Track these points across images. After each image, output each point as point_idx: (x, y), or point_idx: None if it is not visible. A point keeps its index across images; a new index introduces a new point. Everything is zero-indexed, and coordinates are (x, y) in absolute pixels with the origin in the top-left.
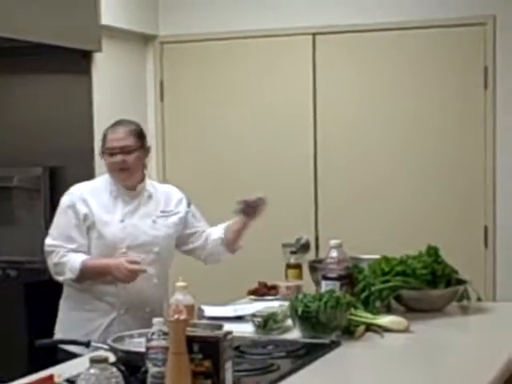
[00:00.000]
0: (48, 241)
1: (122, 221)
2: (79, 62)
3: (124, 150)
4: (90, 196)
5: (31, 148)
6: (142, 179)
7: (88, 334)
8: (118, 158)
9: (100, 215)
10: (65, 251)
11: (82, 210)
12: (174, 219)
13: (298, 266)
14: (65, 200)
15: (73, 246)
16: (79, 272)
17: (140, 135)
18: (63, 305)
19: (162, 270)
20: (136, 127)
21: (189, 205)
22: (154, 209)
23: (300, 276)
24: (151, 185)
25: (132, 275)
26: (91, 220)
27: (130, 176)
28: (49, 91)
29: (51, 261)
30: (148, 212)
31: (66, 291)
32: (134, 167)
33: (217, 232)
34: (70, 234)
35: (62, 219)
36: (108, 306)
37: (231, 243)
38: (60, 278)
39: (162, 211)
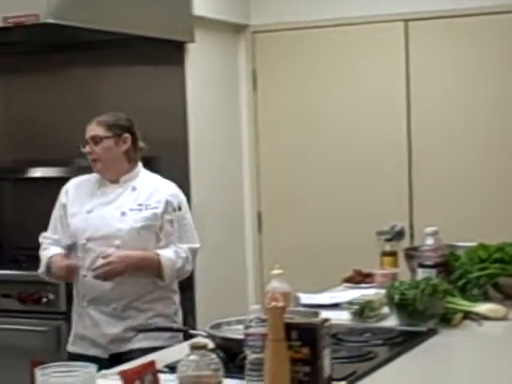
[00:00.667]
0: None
1: (90, 212)
2: (173, 53)
3: (93, 140)
4: (73, 187)
5: None
6: (127, 171)
7: (73, 326)
8: (87, 148)
9: (72, 206)
10: (47, 243)
11: (62, 200)
12: (146, 213)
13: (393, 254)
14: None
15: (56, 237)
16: (46, 267)
17: (112, 126)
18: None
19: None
20: (110, 118)
21: (177, 209)
22: (132, 201)
23: (396, 264)
24: (145, 178)
25: (65, 271)
26: (65, 210)
27: (104, 168)
28: (143, 82)
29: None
30: (122, 204)
31: None
32: (104, 157)
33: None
34: (55, 224)
35: (53, 211)
36: (76, 298)
37: None
38: (38, 271)
39: (139, 204)
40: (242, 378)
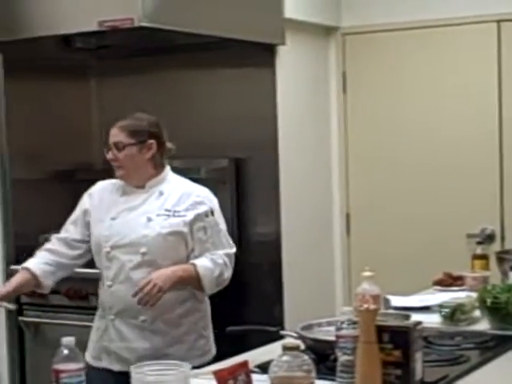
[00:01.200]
0: None
1: (114, 218)
2: (263, 55)
3: (116, 147)
4: (97, 192)
5: (217, 140)
6: (154, 176)
7: (93, 338)
8: (110, 154)
9: (96, 212)
10: (44, 248)
11: (85, 205)
12: (175, 220)
13: (484, 257)
14: None
15: (64, 235)
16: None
17: (134, 132)
18: None
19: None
20: (133, 122)
21: (209, 214)
22: (158, 207)
23: (487, 267)
24: (173, 182)
25: None
26: (86, 215)
27: (127, 174)
28: (234, 84)
29: None
30: (149, 210)
31: None
32: (126, 165)
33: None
34: (68, 225)
35: (71, 215)
36: (101, 309)
37: None
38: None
39: (167, 210)
40: (333, 380)
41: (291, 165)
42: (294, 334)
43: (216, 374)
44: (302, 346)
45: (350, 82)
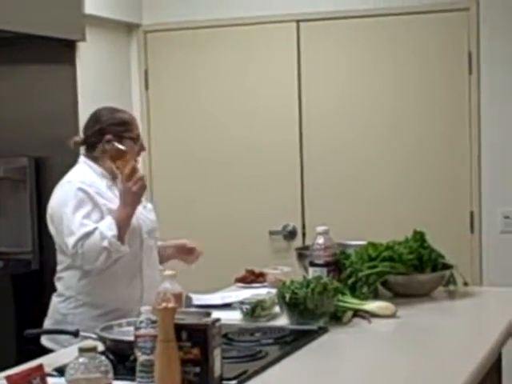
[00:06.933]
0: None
1: None
2: (63, 51)
3: (139, 139)
4: (88, 187)
5: (16, 138)
6: None
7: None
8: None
9: (107, 204)
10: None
11: (92, 199)
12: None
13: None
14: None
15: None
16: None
17: None
18: None
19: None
20: None
21: None
22: None
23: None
24: None
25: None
26: (97, 207)
27: None
28: (33, 81)
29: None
30: None
31: None
32: None
33: None
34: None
35: (74, 213)
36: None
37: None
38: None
39: None
40: (133, 380)
41: None
42: (94, 336)
43: (8, 378)
44: (101, 347)
45: (152, 79)
